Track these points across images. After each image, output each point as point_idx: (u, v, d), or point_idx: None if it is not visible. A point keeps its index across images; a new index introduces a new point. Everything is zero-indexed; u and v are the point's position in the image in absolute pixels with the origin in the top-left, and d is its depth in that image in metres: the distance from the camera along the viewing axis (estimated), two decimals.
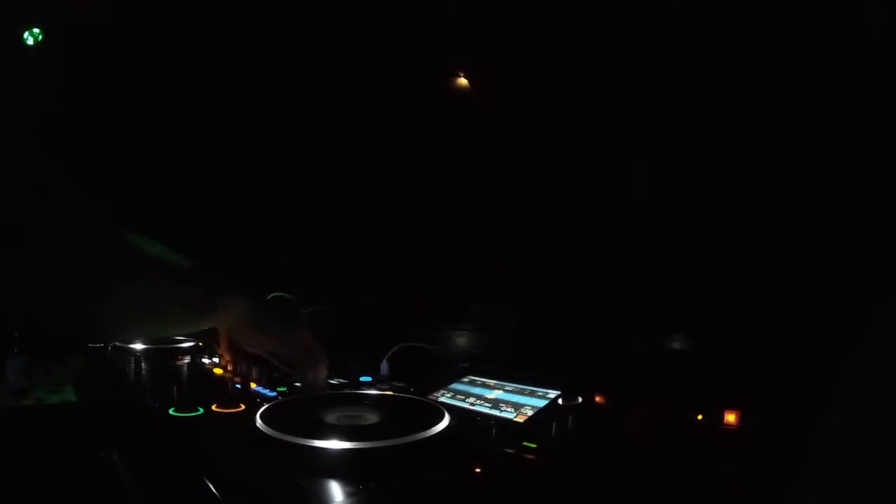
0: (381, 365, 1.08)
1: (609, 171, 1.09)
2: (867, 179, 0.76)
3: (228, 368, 1.07)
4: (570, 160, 1.13)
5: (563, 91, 1.12)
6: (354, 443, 0.61)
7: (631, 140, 1.05)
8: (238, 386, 0.95)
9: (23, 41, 1.54)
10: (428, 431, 0.66)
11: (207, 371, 1.09)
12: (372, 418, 0.73)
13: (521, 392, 0.91)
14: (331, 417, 0.73)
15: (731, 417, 0.76)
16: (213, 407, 0.80)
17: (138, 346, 1.19)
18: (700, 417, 0.78)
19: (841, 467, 0.57)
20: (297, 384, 0.93)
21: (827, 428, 0.60)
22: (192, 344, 1.26)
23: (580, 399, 0.86)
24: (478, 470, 0.63)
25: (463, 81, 1.40)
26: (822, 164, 0.81)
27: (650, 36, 0.99)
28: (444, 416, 0.71)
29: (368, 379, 1.03)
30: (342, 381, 1.02)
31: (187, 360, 1.13)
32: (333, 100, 1.62)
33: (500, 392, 0.91)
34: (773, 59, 0.85)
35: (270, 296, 1.38)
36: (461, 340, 1.24)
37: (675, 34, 0.96)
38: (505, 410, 0.83)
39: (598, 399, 0.88)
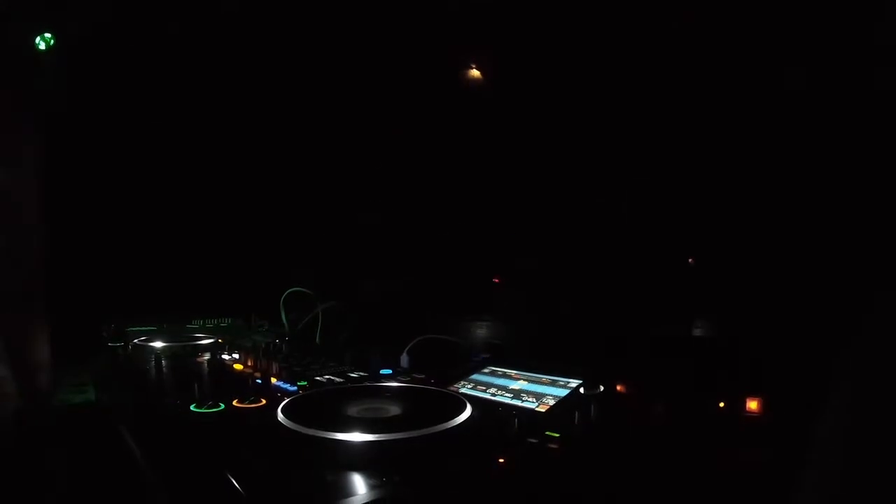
0: (402, 357, 1.08)
1: (632, 164, 1.07)
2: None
3: (249, 364, 1.07)
4: (592, 151, 1.12)
5: (593, 84, 1.11)
6: (377, 435, 0.60)
7: (654, 137, 1.04)
8: (258, 381, 0.95)
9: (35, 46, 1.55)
10: (450, 422, 0.65)
11: (228, 367, 1.09)
12: (394, 410, 0.73)
13: (542, 382, 0.90)
14: (352, 410, 0.72)
15: (753, 405, 0.75)
16: (234, 402, 0.81)
17: (158, 344, 1.20)
18: (722, 405, 0.77)
19: (856, 457, 0.56)
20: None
21: (844, 418, 0.59)
22: (211, 340, 1.27)
23: (602, 388, 0.85)
24: (501, 460, 0.62)
25: (475, 73, 1.39)
26: (848, 162, 0.80)
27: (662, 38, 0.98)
28: (465, 406, 0.70)
29: (389, 371, 1.03)
30: (362, 373, 1.01)
31: (207, 356, 1.13)
32: (350, 92, 1.62)
33: (522, 382, 0.91)
34: (794, 64, 0.84)
35: (287, 291, 1.38)
36: (481, 331, 1.24)
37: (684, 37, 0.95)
38: (527, 400, 0.82)
39: (619, 388, 0.87)
